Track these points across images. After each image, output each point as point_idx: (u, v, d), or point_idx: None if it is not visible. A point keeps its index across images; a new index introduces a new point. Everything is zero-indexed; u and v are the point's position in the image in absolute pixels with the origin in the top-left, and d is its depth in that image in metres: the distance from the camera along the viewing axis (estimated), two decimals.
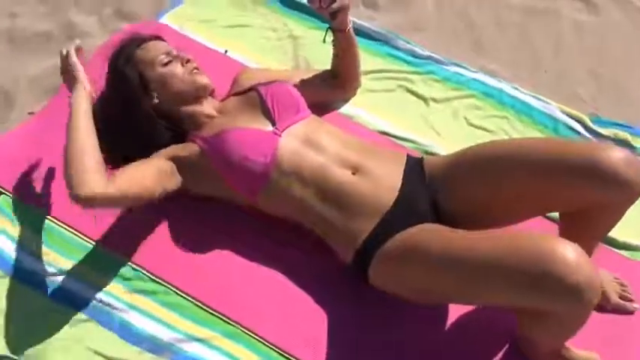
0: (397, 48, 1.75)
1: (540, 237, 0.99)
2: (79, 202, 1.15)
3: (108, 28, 1.80)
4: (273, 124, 1.34)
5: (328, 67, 1.70)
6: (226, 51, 1.71)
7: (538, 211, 1.21)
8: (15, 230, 1.38)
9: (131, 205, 1.31)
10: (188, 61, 1.38)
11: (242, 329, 1.27)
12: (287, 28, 1.78)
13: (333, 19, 1.38)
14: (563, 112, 1.64)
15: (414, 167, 1.30)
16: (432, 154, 1.54)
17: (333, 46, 1.48)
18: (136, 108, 1.35)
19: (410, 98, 1.66)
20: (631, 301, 1.32)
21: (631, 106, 1.73)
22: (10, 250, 1.35)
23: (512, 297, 1.01)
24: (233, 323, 1.28)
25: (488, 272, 1.00)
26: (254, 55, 1.72)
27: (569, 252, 0.95)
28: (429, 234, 1.15)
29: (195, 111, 1.39)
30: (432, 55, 1.74)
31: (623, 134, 1.60)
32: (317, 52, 1.72)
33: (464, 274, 1.04)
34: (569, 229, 1.20)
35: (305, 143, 1.31)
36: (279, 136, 1.31)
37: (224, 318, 1.29)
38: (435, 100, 1.66)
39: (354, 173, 1.28)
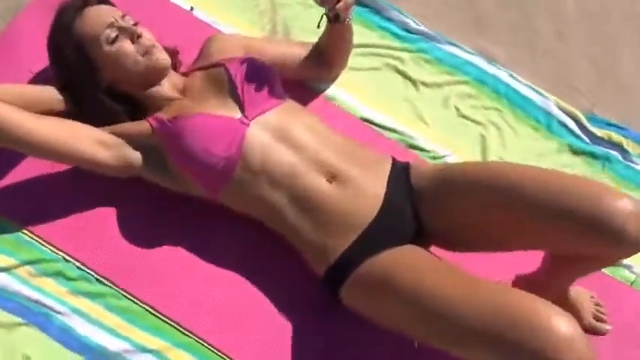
0: (389, 19, 1.55)
1: (532, 302, 0.89)
2: None
3: None
4: (242, 110, 1.16)
5: (311, 35, 1.50)
6: (192, 8, 1.48)
7: (527, 247, 1.11)
8: None
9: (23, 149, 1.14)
10: (139, 36, 1.15)
11: (197, 339, 1.17)
12: None
13: (335, 20, 1.21)
14: (560, 107, 1.51)
15: (399, 176, 1.17)
16: (417, 147, 1.42)
17: (326, 32, 1.29)
18: (83, 91, 1.17)
19: (397, 79, 1.49)
20: (604, 322, 1.28)
21: (631, 99, 1.61)
22: None
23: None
24: (187, 333, 1.17)
25: (466, 332, 0.91)
26: (224, 15, 1.49)
27: (565, 327, 0.86)
28: (406, 268, 1.04)
29: (154, 94, 1.20)
30: (426, 31, 1.55)
31: (617, 137, 1.50)
32: (298, 16, 1.51)
33: (438, 328, 0.96)
34: (554, 265, 1.12)
35: (277, 136, 1.15)
36: (247, 125, 1.15)
37: (178, 327, 1.17)
38: (424, 84, 1.50)
39: (330, 181, 1.13)
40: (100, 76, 1.17)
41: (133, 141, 1.17)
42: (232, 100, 1.17)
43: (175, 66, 1.30)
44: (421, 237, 1.15)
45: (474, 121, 1.47)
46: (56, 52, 1.18)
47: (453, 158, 1.42)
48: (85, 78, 1.17)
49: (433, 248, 1.19)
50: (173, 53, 1.30)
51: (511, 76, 1.53)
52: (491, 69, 1.53)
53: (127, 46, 1.15)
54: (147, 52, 1.16)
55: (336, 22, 1.23)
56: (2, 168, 1.25)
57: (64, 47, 1.16)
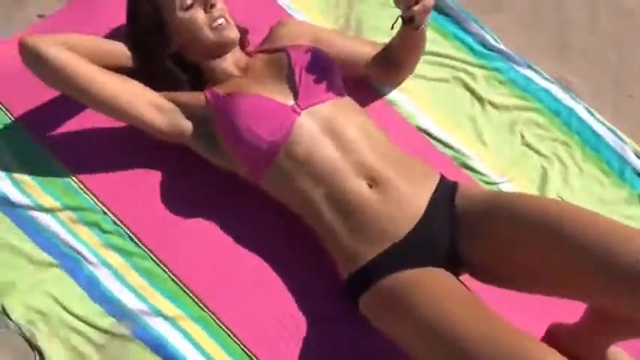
0: (467, 31, 1.49)
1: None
2: (21, 45, 1.14)
3: None
4: (295, 98, 1.15)
5: (383, 34, 1.46)
6: None
7: (562, 294, 1.02)
8: (1, 151, 1.27)
9: (79, 98, 1.19)
10: (212, 5, 1.17)
11: (212, 317, 1.17)
12: None
13: (410, 23, 1.17)
14: (637, 154, 1.40)
15: (444, 195, 1.11)
16: (471, 168, 1.35)
17: (399, 34, 1.25)
18: (151, 52, 1.21)
19: (464, 95, 1.44)
20: None
21: None
22: None
23: None
24: (204, 308, 1.18)
25: None
26: (300, 1, 1.48)
27: None
28: (428, 291, 0.99)
29: (216, 66, 1.23)
30: (505, 49, 1.47)
31: None
32: (374, 13, 1.49)
33: (446, 358, 0.90)
34: (595, 320, 1.04)
35: (326, 130, 1.13)
36: (298, 114, 1.13)
37: (196, 299, 1.18)
38: (492, 104, 1.43)
39: (370, 185, 1.10)
40: (169, 40, 1.20)
41: (187, 110, 1.19)
42: (288, 87, 1.16)
43: (243, 44, 1.31)
44: (454, 262, 1.09)
45: (537, 151, 1.39)
46: (133, 10, 1.22)
47: (507, 186, 1.34)
48: (156, 40, 1.21)
49: (466, 278, 1.13)
50: (243, 32, 1.31)
51: (589, 111, 1.43)
52: (567, 100, 1.44)
53: (198, 14, 1.17)
54: (217, 23, 1.18)
55: (411, 25, 1.19)
56: (65, 116, 1.30)
57: (141, 5, 1.20)
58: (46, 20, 1.39)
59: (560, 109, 1.43)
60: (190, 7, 1.17)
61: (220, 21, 1.18)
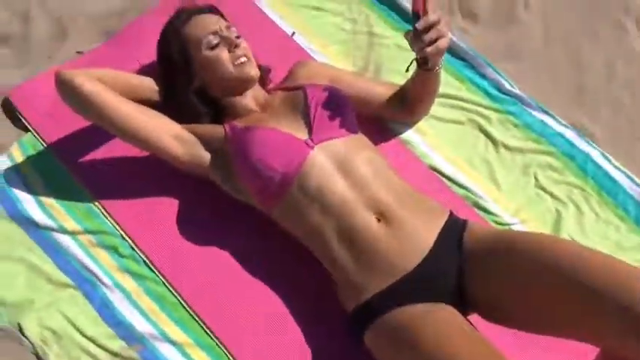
0: (482, 75, 1.52)
1: None
2: (57, 76, 1.23)
3: None
4: (310, 133, 1.19)
5: (400, 77, 1.52)
6: (293, 33, 1.56)
7: (570, 336, 1.00)
8: (30, 173, 1.34)
9: (109, 128, 1.26)
10: (237, 46, 1.25)
11: (220, 345, 1.19)
12: (368, 22, 1.59)
13: (423, 65, 1.20)
14: None
15: (452, 232, 1.12)
16: (483, 208, 1.36)
17: (414, 76, 1.29)
18: (177, 87, 1.29)
19: (479, 137, 1.45)
20: None
21: None
22: (20, 193, 1.31)
23: None
24: (212, 336, 1.19)
25: None
26: (321, 43, 1.55)
27: None
28: (432, 327, 0.99)
29: (237, 102, 1.29)
30: (520, 94, 1.50)
31: None
32: (392, 57, 1.54)
33: None
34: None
35: (338, 166, 1.16)
36: (311, 148, 1.17)
37: (205, 327, 1.20)
38: (506, 147, 1.44)
39: (379, 220, 1.12)
40: (194, 76, 1.28)
41: (206, 142, 1.25)
42: (303, 122, 1.21)
43: (264, 82, 1.37)
44: (460, 300, 1.09)
45: (551, 194, 1.38)
46: (162, 47, 1.31)
47: (519, 228, 1.34)
48: (182, 76, 1.28)
49: (472, 317, 1.12)
50: (265, 70, 1.38)
51: (604, 156, 1.43)
52: (583, 145, 1.44)
53: (223, 54, 1.25)
54: (239, 60, 1.25)
55: (425, 67, 1.23)
56: (93, 143, 1.37)
57: (171, 44, 1.29)
58: (83, 56, 1.49)
59: (575, 153, 1.43)
60: (216, 46, 1.25)
61: (243, 59, 1.25)
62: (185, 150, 1.25)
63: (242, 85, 1.28)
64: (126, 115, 1.22)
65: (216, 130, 1.26)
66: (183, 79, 1.29)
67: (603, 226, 1.35)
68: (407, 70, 1.25)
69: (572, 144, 1.44)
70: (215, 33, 1.25)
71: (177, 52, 1.27)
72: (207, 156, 1.25)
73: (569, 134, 1.45)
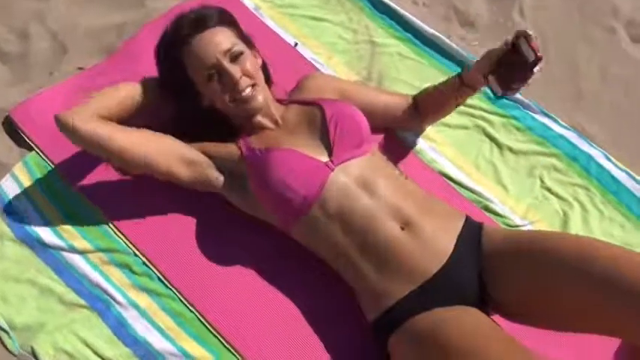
0: None
1: None
2: (55, 121, 1.18)
3: None
4: (330, 154, 1.18)
5: (402, 85, 1.53)
6: (296, 44, 1.57)
7: (594, 331, 1.02)
8: (36, 193, 1.31)
9: (119, 165, 1.25)
10: (237, 82, 1.17)
11: (238, 357, 1.17)
12: (368, 31, 1.61)
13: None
14: None
15: (471, 235, 1.13)
16: (493, 211, 1.38)
17: (445, 88, 1.29)
18: (184, 106, 1.25)
19: (484, 141, 1.48)
20: None
21: None
22: (27, 214, 1.29)
23: None
24: (233, 351, 1.18)
25: None
26: (324, 54, 1.56)
27: None
28: (458, 328, 0.99)
29: (249, 121, 1.25)
30: (521, 98, 1.53)
31: None
32: (394, 65, 1.56)
33: None
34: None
35: (359, 184, 1.15)
36: (332, 170, 1.16)
37: (225, 342, 1.18)
38: (511, 150, 1.47)
39: (403, 228, 1.12)
40: (202, 95, 1.23)
41: (219, 162, 1.22)
42: (322, 143, 1.19)
43: (269, 85, 1.34)
44: (481, 301, 1.10)
45: (557, 195, 1.41)
46: (163, 70, 1.25)
47: (529, 229, 1.36)
48: (188, 96, 1.23)
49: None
50: (269, 83, 1.36)
51: (606, 157, 1.46)
52: (584, 146, 1.48)
53: (221, 91, 1.18)
54: (239, 96, 1.18)
55: (473, 87, 1.23)
56: (99, 161, 1.34)
57: (171, 69, 1.22)
58: (84, 72, 1.47)
59: (578, 154, 1.46)
60: (212, 80, 1.18)
61: (244, 94, 1.18)
62: (197, 174, 1.22)
63: (246, 115, 1.23)
64: (130, 149, 1.18)
65: (231, 150, 1.22)
66: (190, 99, 1.24)
67: (608, 224, 1.39)
68: (445, 83, 1.27)
69: (574, 145, 1.48)
70: (212, 67, 1.17)
71: (179, 76, 1.20)
72: (220, 177, 1.23)
73: (571, 136, 1.49)
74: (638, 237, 1.37)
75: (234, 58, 1.19)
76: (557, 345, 1.15)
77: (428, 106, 1.35)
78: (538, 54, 1.08)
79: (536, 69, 1.09)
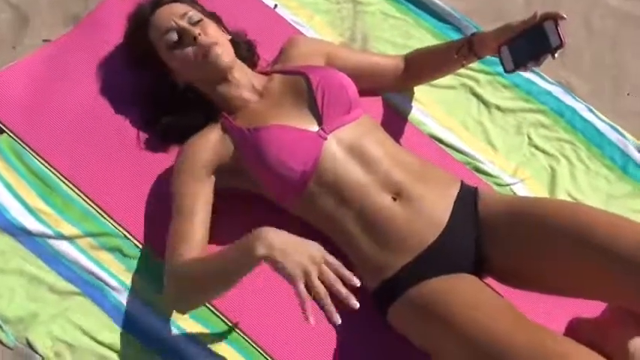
0: None
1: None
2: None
3: None
4: (320, 123, 1.15)
5: (387, 44, 1.49)
6: (275, 5, 1.49)
7: (589, 296, 1.04)
8: (14, 178, 1.24)
9: None
10: (195, 38, 1.13)
11: (242, 335, 1.16)
12: None
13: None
14: (638, 149, 1.45)
15: (467, 201, 1.13)
16: (484, 172, 1.38)
17: (448, 52, 1.24)
18: (159, 91, 1.22)
19: (471, 101, 1.46)
20: None
21: None
22: (6, 200, 1.22)
23: None
24: (234, 328, 1.17)
25: None
26: (305, 15, 1.50)
27: None
28: (459, 296, 1.00)
29: (230, 94, 1.20)
30: None
31: None
32: (378, 25, 1.51)
33: None
34: (621, 317, 1.06)
35: (351, 152, 1.13)
36: (325, 139, 1.13)
37: (226, 319, 1.17)
38: (498, 108, 1.46)
39: (394, 198, 1.11)
40: (176, 75, 1.20)
41: (218, 168, 1.16)
42: (310, 112, 1.16)
43: (253, 63, 1.31)
44: (478, 266, 1.11)
45: (544, 151, 1.43)
46: (133, 54, 1.23)
47: (519, 187, 1.37)
48: (163, 78, 1.20)
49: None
50: (251, 47, 1.31)
51: (590, 110, 1.48)
52: (570, 101, 1.48)
53: (186, 50, 1.15)
54: (205, 52, 1.14)
55: (482, 56, 1.19)
56: (77, 140, 1.28)
57: (141, 51, 1.20)
58: (51, 45, 1.37)
59: (563, 109, 1.47)
60: (177, 44, 1.15)
61: (207, 49, 1.13)
62: (211, 194, 1.15)
63: (217, 75, 1.18)
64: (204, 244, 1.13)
65: (224, 145, 1.16)
66: (166, 82, 1.21)
67: (594, 177, 1.41)
68: (456, 54, 1.21)
69: (559, 100, 1.48)
70: (170, 29, 1.15)
71: (149, 58, 1.19)
72: (226, 178, 1.17)
73: (556, 91, 1.49)
74: (621, 188, 1.41)
75: (194, 23, 1.16)
76: (545, 313, 1.18)
77: (423, 69, 1.32)
78: (564, 40, 1.03)
79: (555, 54, 1.04)
